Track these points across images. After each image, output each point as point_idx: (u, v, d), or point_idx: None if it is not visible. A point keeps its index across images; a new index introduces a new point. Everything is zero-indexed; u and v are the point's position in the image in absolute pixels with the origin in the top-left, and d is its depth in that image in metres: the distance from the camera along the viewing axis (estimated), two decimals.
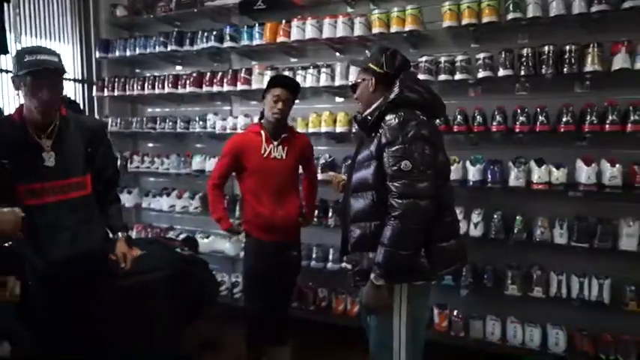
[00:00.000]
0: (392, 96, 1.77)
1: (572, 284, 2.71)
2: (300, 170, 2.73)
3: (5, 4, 2.96)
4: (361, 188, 1.80)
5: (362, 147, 1.87)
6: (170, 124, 3.83)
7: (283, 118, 2.51)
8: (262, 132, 2.52)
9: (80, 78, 4.11)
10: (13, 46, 3.23)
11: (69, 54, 3.99)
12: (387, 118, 1.73)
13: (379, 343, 1.85)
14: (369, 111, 1.85)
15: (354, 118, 2.05)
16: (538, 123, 2.66)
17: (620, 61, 2.48)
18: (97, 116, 4.14)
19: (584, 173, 2.57)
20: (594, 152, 2.65)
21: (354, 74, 2.94)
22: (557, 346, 2.74)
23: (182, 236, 3.70)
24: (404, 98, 1.76)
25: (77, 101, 3.88)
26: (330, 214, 3.27)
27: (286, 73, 3.30)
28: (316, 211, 3.27)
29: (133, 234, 3.90)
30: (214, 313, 3.34)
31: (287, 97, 2.48)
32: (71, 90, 4.01)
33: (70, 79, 4.00)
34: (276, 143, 2.52)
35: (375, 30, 2.97)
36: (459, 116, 2.84)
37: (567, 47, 2.60)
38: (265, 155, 2.49)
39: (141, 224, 4.16)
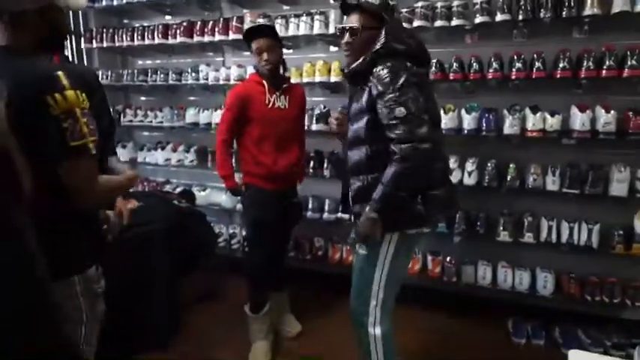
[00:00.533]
0: (378, 46, 1.74)
1: (562, 230, 2.76)
2: None
3: None
4: (357, 142, 1.83)
5: (352, 100, 1.87)
6: (162, 76, 3.75)
7: (275, 66, 2.49)
8: (264, 82, 2.50)
9: None
10: None
11: None
12: (376, 69, 1.72)
13: (361, 271, 1.93)
14: (357, 63, 1.81)
15: (342, 72, 2.02)
16: (534, 69, 2.63)
17: (620, 4, 2.41)
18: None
19: (579, 120, 2.57)
20: (590, 99, 2.63)
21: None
22: (545, 289, 2.84)
23: (179, 189, 3.73)
24: (391, 48, 1.73)
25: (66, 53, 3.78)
26: (325, 165, 3.27)
27: (278, 21, 3.21)
28: (312, 162, 3.29)
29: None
30: (213, 265, 3.43)
31: (269, 45, 2.45)
32: None
33: None
34: (278, 93, 2.53)
35: None
36: (454, 64, 2.80)
37: None
38: (270, 105, 2.50)
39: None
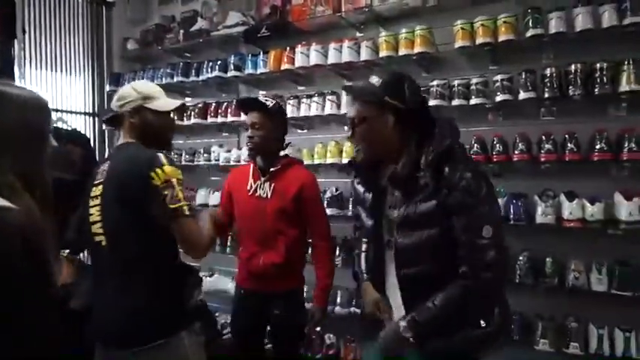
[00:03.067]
0: (444, 145, 1.43)
1: (616, 340, 2.29)
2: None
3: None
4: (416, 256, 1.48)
5: (395, 205, 1.54)
6: (176, 156, 3.70)
7: (261, 147, 2.15)
8: (252, 165, 2.25)
9: (91, 111, 4.08)
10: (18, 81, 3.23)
11: (80, 87, 3.99)
12: (452, 173, 1.40)
13: None
14: (402, 164, 1.48)
15: (356, 171, 1.75)
16: (567, 151, 2.34)
17: None
18: (107, 149, 4.09)
19: (625, 209, 2.21)
20: (636, 184, 2.29)
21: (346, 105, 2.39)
22: None
23: None
24: (453, 147, 1.46)
25: (87, 134, 3.84)
26: (337, 252, 2.97)
27: (291, 101, 3.13)
28: None
29: None
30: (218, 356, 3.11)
31: (261, 122, 2.11)
32: (82, 123, 3.98)
33: (81, 113, 3.99)
34: (263, 179, 2.17)
35: (383, 53, 2.75)
36: (475, 145, 2.54)
37: (598, 65, 2.28)
38: (250, 192, 2.18)
39: None
